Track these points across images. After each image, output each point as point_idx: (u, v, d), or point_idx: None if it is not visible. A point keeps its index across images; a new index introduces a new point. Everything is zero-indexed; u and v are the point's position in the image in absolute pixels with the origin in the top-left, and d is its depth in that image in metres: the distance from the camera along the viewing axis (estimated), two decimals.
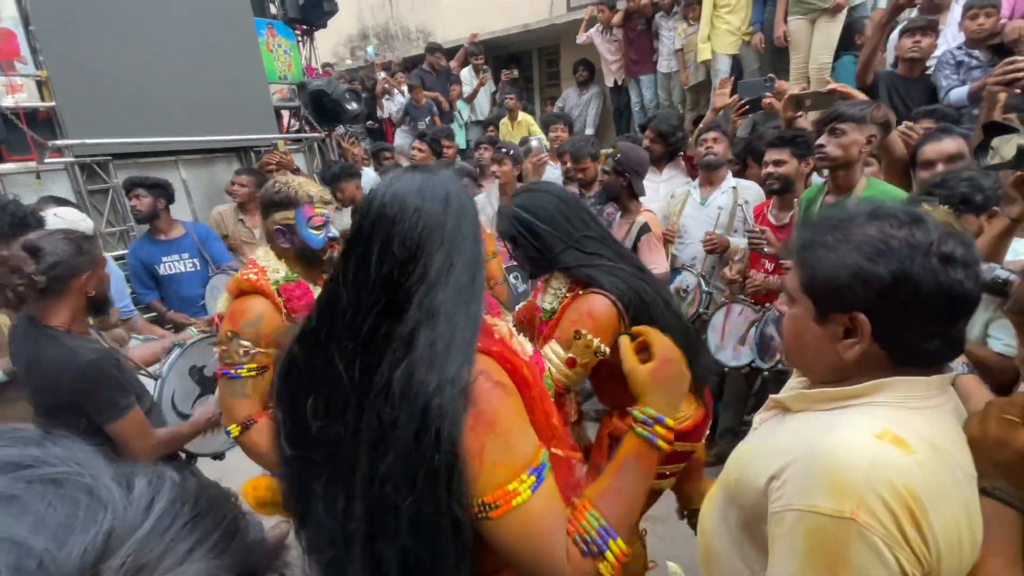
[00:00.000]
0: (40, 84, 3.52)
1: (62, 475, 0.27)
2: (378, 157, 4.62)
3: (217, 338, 1.47)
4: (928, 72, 3.12)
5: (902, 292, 0.69)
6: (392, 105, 6.67)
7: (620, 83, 5.88)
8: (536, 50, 7.58)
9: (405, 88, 6.24)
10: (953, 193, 1.60)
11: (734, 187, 2.72)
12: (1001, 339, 1.39)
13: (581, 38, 5.82)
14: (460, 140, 6.14)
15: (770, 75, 3.03)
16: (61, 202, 2.76)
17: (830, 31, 4.13)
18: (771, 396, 0.89)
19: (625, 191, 2.48)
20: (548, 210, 1.43)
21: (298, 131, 4.93)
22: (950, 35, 3.19)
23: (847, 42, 4.21)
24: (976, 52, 2.87)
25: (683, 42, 5.17)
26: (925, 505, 0.63)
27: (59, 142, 3.48)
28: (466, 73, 6.73)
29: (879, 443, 0.67)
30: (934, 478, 0.66)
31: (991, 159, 1.24)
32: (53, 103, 3.51)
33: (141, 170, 3.92)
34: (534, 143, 3.91)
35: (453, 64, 6.66)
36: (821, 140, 1.98)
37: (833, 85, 2.36)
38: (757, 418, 0.93)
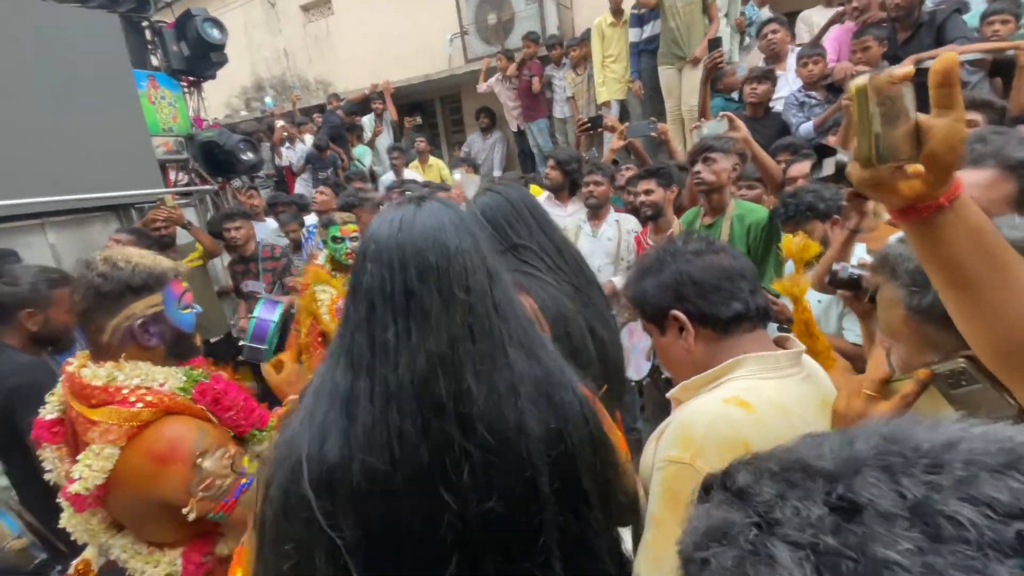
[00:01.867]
0: None
1: None
2: (275, 207, 4.48)
3: (172, 500, 1.10)
4: (774, 111, 3.62)
5: (684, 283, 0.89)
6: (293, 154, 6.54)
7: (521, 128, 6.20)
8: (439, 99, 7.82)
9: (307, 137, 6.15)
10: (801, 201, 1.89)
11: (617, 220, 2.98)
12: (852, 330, 1.58)
13: (482, 87, 6.11)
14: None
15: (652, 118, 3.37)
16: None
17: (694, 78, 4.67)
18: (668, 394, 1.01)
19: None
20: (492, 210, 1.35)
21: (187, 184, 4.64)
22: (791, 79, 3.73)
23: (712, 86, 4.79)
24: (813, 93, 3.37)
25: (573, 90, 5.61)
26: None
27: None
28: (367, 120, 6.78)
29: (725, 405, 0.80)
30: (772, 432, 0.76)
31: (819, 174, 1.49)
32: None
33: (1, 237, 3.48)
34: (457, 176, 4.02)
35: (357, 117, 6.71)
36: (696, 168, 2.21)
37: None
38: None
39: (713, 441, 0.76)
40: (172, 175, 4.62)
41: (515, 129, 6.30)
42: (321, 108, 7.22)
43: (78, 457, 1.09)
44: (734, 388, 0.83)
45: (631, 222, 2.98)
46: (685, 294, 0.90)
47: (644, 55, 4.96)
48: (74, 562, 1.24)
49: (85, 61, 3.91)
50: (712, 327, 0.90)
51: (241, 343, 3.18)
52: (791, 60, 3.78)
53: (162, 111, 4.34)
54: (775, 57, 3.92)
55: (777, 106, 3.67)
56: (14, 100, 3.50)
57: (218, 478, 1.08)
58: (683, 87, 4.68)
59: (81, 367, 1.16)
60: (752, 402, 0.80)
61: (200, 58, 4.34)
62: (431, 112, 7.96)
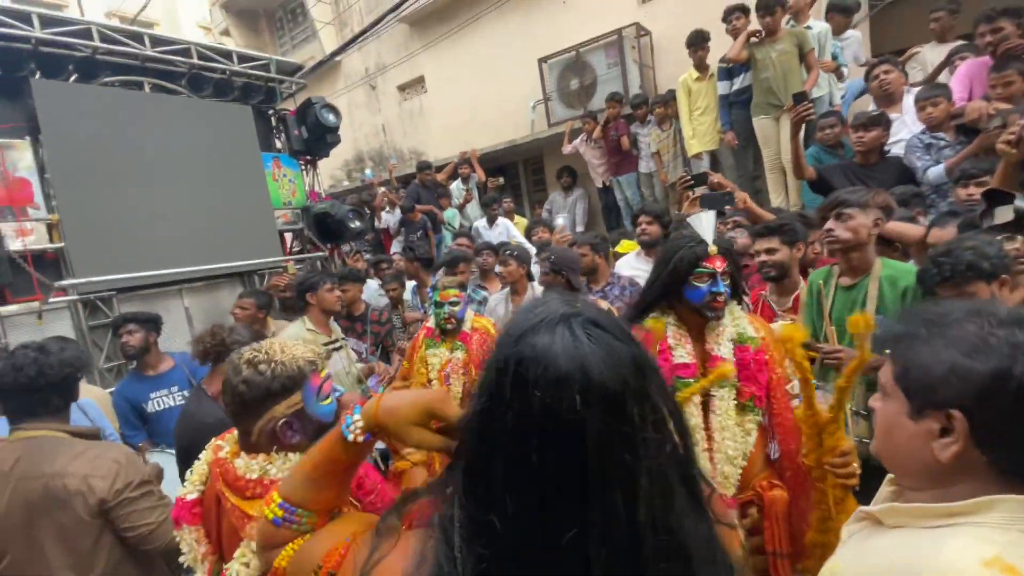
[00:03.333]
0: (50, 227, 3.62)
1: None
2: (378, 267, 4.73)
3: None
4: (890, 155, 3.36)
5: (1002, 392, 0.66)
6: (391, 218, 6.98)
7: (606, 184, 6.25)
8: (521, 161, 8.13)
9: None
10: (959, 261, 1.65)
11: None
12: None
13: (567, 149, 6.28)
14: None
15: (729, 191, 3.22)
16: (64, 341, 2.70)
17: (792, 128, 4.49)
18: (860, 508, 0.83)
19: (565, 287, 2.75)
20: None
21: (300, 251, 5.05)
22: (909, 121, 3.47)
23: (809, 134, 4.57)
24: (941, 134, 3.10)
25: (658, 146, 5.62)
26: None
27: (65, 282, 3.50)
28: (455, 186, 7.15)
29: (988, 571, 0.61)
30: None
31: (991, 222, 1.30)
32: (62, 244, 3.58)
33: (144, 302, 3.92)
34: (559, 221, 4.03)
35: (441, 176, 7.09)
36: (829, 225, 2.04)
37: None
38: (845, 531, 0.85)
39: None
40: (287, 243, 5.07)
41: (600, 185, 6.36)
42: (412, 177, 7.73)
43: (235, 554, 1.07)
44: (991, 543, 0.64)
45: None
46: (990, 404, 0.66)
47: (735, 107, 4.88)
48: None
49: (222, 148, 4.46)
50: (990, 456, 0.68)
51: None
52: (908, 101, 3.54)
53: (283, 187, 4.82)
54: (888, 99, 3.68)
55: (896, 148, 3.41)
56: (160, 188, 4.04)
57: None
58: (782, 136, 4.51)
59: (234, 456, 1.17)
60: (1021, 569, 0.61)
61: (317, 139, 4.82)
62: (513, 174, 8.27)
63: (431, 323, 2.76)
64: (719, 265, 1.58)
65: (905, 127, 3.50)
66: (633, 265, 3.35)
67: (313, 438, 1.16)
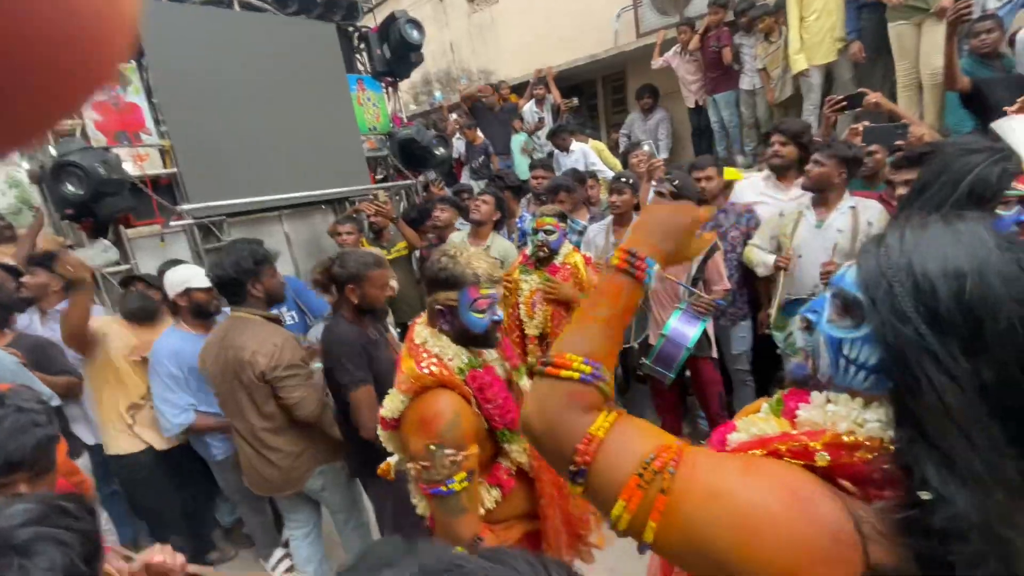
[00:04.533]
0: (163, 152, 3.73)
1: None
2: (459, 196, 4.65)
3: (410, 457, 1.29)
4: None
5: None
6: (460, 144, 6.79)
7: (700, 104, 5.74)
8: (601, 79, 7.58)
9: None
10: None
11: (853, 207, 2.47)
12: None
13: (657, 62, 5.75)
14: (523, 173, 6.11)
15: (903, 122, 2.83)
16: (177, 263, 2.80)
17: (939, 34, 3.87)
18: None
19: None
20: None
21: (384, 179, 5.03)
22: None
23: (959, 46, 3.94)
24: None
25: (765, 60, 5.03)
26: None
27: (184, 206, 3.65)
28: (528, 109, 6.77)
29: None
30: None
31: None
32: (175, 170, 3.70)
33: (250, 227, 4.07)
34: (646, 147, 3.79)
35: (521, 101, 6.73)
36: None
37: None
38: None
39: None
40: (374, 171, 5.05)
41: (691, 105, 5.85)
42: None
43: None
44: None
45: (874, 211, 2.45)
46: None
47: (866, 10, 4.24)
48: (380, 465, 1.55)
49: (310, 69, 4.36)
50: None
51: (643, 362, 2.73)
52: None
53: (368, 112, 4.73)
54: None
55: None
56: (258, 114, 4.03)
57: (432, 469, 1.22)
58: (923, 46, 3.92)
59: (419, 322, 1.45)
60: None
61: (399, 59, 4.63)
62: (591, 93, 7.75)
63: (528, 250, 2.73)
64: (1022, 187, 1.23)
65: None
66: (760, 190, 3.07)
67: (458, 336, 1.39)
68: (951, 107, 3.53)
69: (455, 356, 1.36)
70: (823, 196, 2.57)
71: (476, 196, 3.31)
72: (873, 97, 2.94)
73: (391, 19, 4.54)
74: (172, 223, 3.69)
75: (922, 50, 3.94)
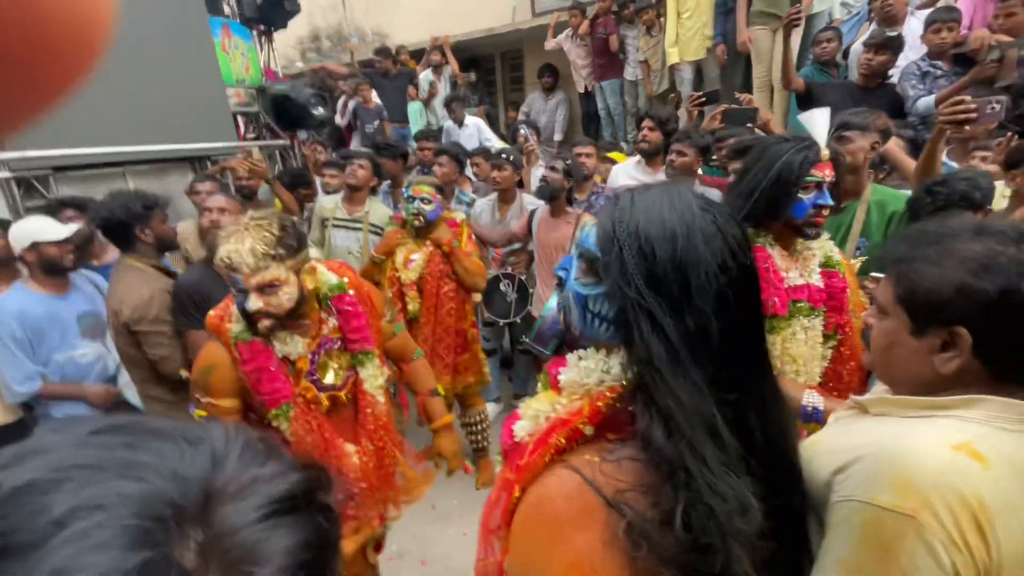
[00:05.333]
0: None
1: (157, 428, 0.34)
2: (348, 161, 4.39)
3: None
4: (889, 82, 3.32)
5: (1008, 308, 0.69)
6: (352, 108, 6.41)
7: (589, 89, 5.92)
8: (499, 54, 7.52)
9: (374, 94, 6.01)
10: (953, 191, 1.74)
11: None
12: None
13: (550, 44, 5.82)
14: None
15: (755, 106, 3.13)
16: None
17: (791, 41, 4.32)
18: (852, 397, 0.90)
19: (565, 196, 2.80)
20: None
21: (256, 138, 4.62)
22: (908, 46, 3.39)
23: (803, 54, 4.43)
24: (939, 63, 3.06)
25: (646, 53, 5.29)
26: (992, 517, 0.64)
27: None
28: (423, 77, 6.57)
29: (955, 453, 0.67)
30: (1008, 496, 0.66)
31: None
32: None
33: (84, 184, 3.54)
34: (522, 130, 3.85)
35: (419, 68, 6.50)
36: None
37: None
38: (832, 416, 0.94)
39: (942, 494, 0.65)
40: (240, 127, 4.60)
41: (582, 90, 6.02)
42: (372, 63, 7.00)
43: None
44: (965, 432, 0.70)
45: (717, 197, 2.79)
46: (995, 319, 0.70)
47: (731, 15, 4.60)
48: None
49: (163, 9, 3.84)
50: (989, 365, 0.72)
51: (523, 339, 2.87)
52: (912, 24, 3.43)
53: (235, 61, 4.28)
54: (890, 21, 3.56)
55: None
56: None
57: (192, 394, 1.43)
58: (776, 51, 4.33)
59: None
60: (988, 456, 0.67)
61: (273, 6, 4.23)
62: (490, 69, 7.68)
63: (403, 215, 2.70)
64: (828, 174, 1.38)
65: (904, 54, 3.43)
66: (631, 174, 3.26)
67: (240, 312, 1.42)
68: (793, 109, 3.96)
69: (235, 322, 1.39)
70: (682, 182, 2.81)
71: (352, 161, 3.15)
72: (744, 99, 3.18)
73: None
74: None
75: (775, 55, 4.36)
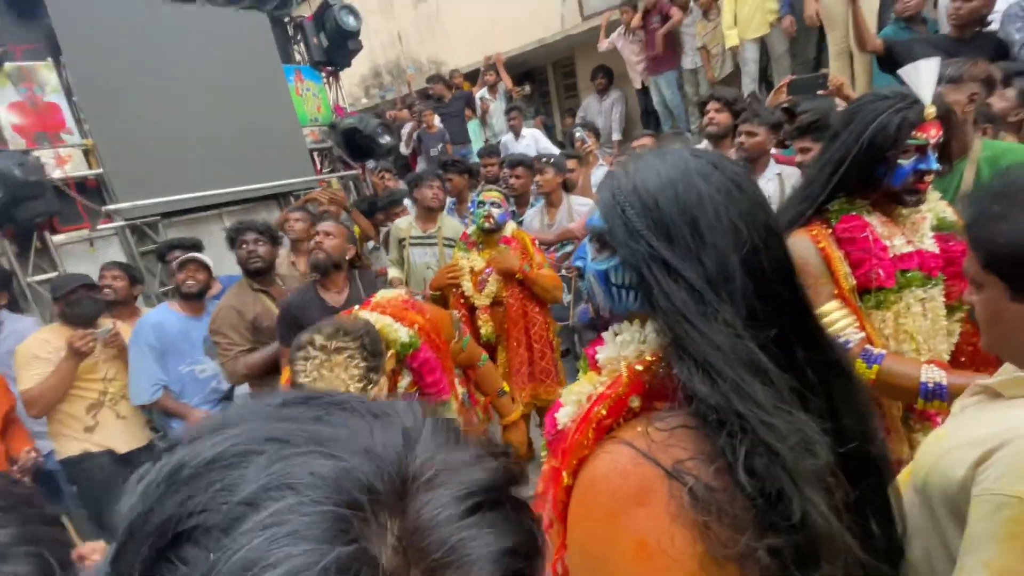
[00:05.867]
0: (86, 153, 3.57)
1: (342, 400, 0.31)
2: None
3: None
4: (986, 30, 2.95)
5: None
6: (413, 133, 6.70)
7: (645, 84, 5.80)
8: (551, 64, 7.57)
9: (436, 119, 6.27)
10: None
11: (779, 173, 2.52)
12: None
13: (603, 45, 5.77)
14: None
15: (823, 71, 2.91)
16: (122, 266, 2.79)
17: (868, 3, 3.98)
18: (978, 381, 0.81)
19: None
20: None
21: (331, 171, 4.94)
22: None
23: (885, 12, 4.06)
24: None
25: (704, 39, 5.10)
26: None
27: (110, 207, 3.51)
28: (481, 96, 6.73)
29: None
30: None
31: None
32: (100, 170, 3.55)
33: (187, 227, 3.94)
34: (577, 133, 3.80)
35: (475, 89, 6.69)
36: None
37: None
38: (957, 404, 0.85)
39: None
40: (318, 163, 4.94)
41: (638, 86, 5.90)
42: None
43: None
44: None
45: (798, 177, 2.47)
46: None
47: None
48: None
49: (242, 60, 4.24)
50: None
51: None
52: None
53: (308, 103, 4.62)
54: None
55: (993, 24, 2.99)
56: (188, 107, 3.90)
57: None
58: (850, 13, 4.02)
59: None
60: None
61: (338, 47, 4.53)
62: (543, 80, 7.74)
63: (469, 230, 2.73)
64: (934, 134, 1.20)
65: None
66: None
67: None
68: (876, 74, 3.64)
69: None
70: (752, 164, 2.63)
71: (427, 183, 3.27)
72: (835, 81, 2.92)
73: (325, 6, 4.44)
74: (101, 227, 3.54)
75: (850, 18, 4.04)
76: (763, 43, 4.82)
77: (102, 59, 3.50)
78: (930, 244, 1.31)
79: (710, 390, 0.54)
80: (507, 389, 2.01)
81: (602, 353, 0.69)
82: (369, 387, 1.18)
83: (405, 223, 3.40)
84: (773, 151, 2.71)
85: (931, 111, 1.19)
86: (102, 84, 3.51)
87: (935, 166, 1.22)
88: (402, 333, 1.46)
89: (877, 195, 1.28)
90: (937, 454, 0.76)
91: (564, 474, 0.62)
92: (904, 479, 0.82)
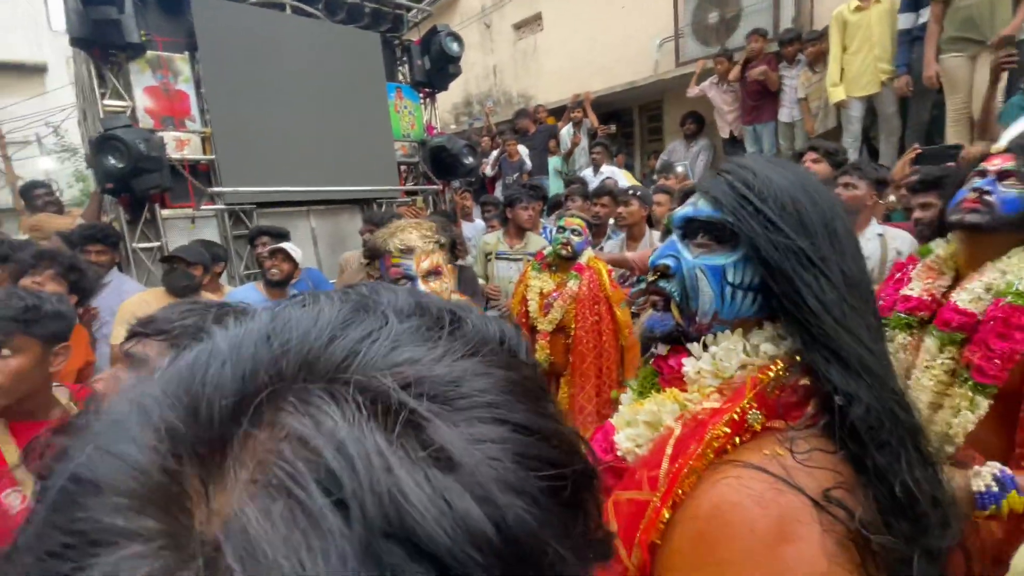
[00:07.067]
0: (203, 139, 3.89)
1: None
2: (484, 207, 4.74)
3: None
4: None
5: None
6: (494, 159, 6.91)
7: (735, 134, 5.66)
8: (637, 107, 7.61)
9: (521, 148, 6.47)
10: None
11: (880, 234, 2.30)
12: None
13: (692, 91, 5.73)
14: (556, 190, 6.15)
15: (958, 144, 2.72)
16: (209, 244, 3.02)
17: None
18: None
19: None
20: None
21: (414, 184, 5.11)
22: None
23: (1013, 83, 3.76)
24: None
25: (807, 90, 4.93)
26: None
27: (214, 189, 3.77)
28: (565, 132, 6.85)
29: None
30: None
31: None
32: (212, 156, 3.85)
33: (278, 219, 4.16)
34: (680, 168, 3.72)
35: (560, 124, 6.83)
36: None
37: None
38: None
39: None
40: (403, 175, 5.14)
41: (726, 135, 5.78)
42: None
43: None
44: None
45: (903, 240, 2.25)
46: None
47: (917, 43, 4.12)
48: None
49: (351, 74, 4.52)
50: None
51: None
52: None
53: (403, 119, 4.85)
54: None
55: None
56: (297, 110, 4.18)
57: None
58: (977, 80, 3.75)
59: None
60: None
61: (439, 71, 4.75)
62: (627, 121, 7.77)
63: (547, 250, 2.69)
64: (999, 162, 1.16)
65: None
66: None
67: None
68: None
69: None
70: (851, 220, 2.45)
71: (523, 204, 3.33)
72: (971, 155, 2.72)
73: (433, 31, 4.70)
74: (204, 207, 3.81)
75: (976, 84, 3.77)
76: (870, 102, 4.60)
77: (231, 59, 3.84)
78: (966, 300, 1.14)
79: (868, 394, 0.50)
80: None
81: (691, 366, 0.61)
82: (439, 248, 1.31)
83: (494, 238, 3.45)
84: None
85: (1000, 145, 1.20)
86: (227, 81, 3.85)
87: (989, 188, 1.14)
88: None
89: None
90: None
91: (664, 509, 0.51)
92: None
